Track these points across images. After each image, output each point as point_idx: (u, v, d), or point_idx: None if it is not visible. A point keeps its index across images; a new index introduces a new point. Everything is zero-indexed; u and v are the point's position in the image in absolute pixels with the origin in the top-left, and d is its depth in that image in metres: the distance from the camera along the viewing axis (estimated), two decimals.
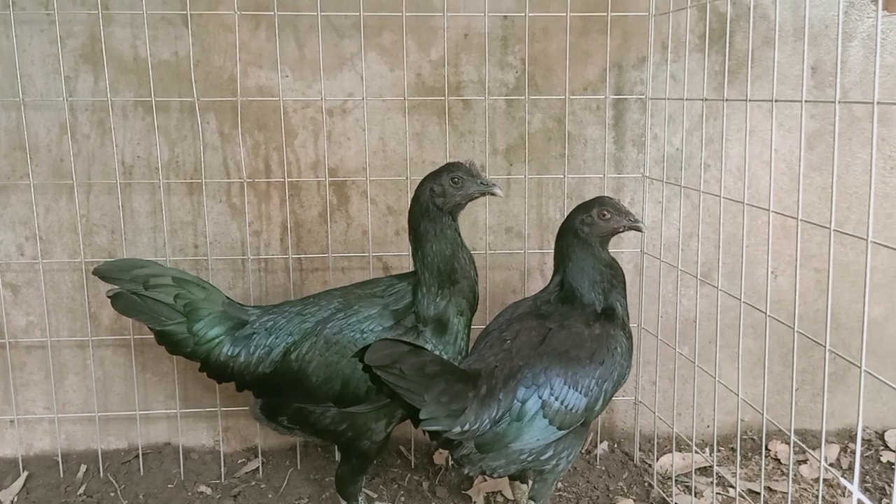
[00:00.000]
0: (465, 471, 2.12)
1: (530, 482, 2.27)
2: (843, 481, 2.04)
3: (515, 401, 2.01)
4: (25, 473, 2.81)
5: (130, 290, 2.27)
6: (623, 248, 2.89)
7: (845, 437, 3.08)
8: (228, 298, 2.40)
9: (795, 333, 2.01)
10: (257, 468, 2.87)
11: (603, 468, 2.89)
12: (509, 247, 2.89)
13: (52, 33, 2.60)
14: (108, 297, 2.30)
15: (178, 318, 2.29)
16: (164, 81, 2.68)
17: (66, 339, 2.82)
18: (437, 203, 2.19)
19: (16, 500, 2.70)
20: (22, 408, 2.86)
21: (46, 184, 2.72)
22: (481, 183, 2.21)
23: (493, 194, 2.22)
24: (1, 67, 2.62)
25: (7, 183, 2.71)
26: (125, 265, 2.33)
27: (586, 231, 2.21)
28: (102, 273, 2.31)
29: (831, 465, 2.92)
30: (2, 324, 2.78)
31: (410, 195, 2.30)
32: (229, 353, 2.31)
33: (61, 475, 2.82)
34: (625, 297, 2.29)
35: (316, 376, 2.22)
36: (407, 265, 2.69)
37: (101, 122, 2.70)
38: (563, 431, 2.08)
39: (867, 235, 1.66)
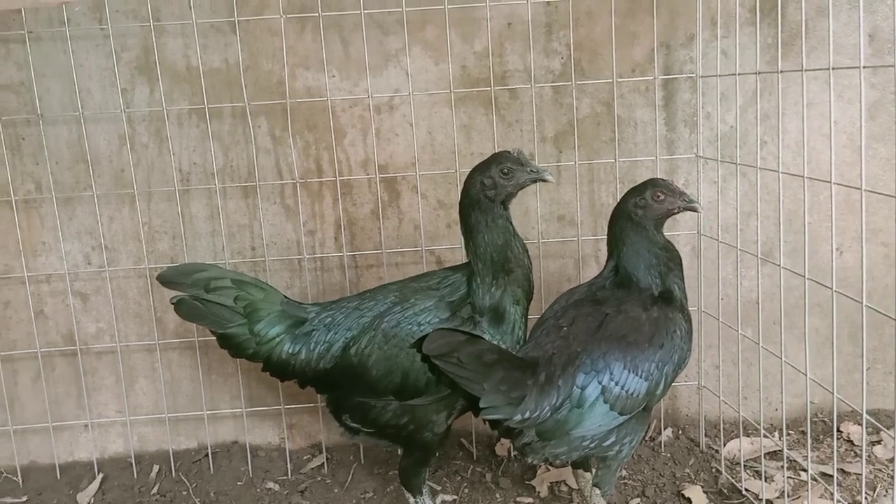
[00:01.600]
0: (528, 459, 2.11)
1: (594, 470, 2.25)
2: None
3: (575, 387, 2.00)
4: (101, 475, 2.91)
5: (192, 294, 2.33)
6: (679, 231, 2.84)
7: None
8: (286, 297, 2.44)
9: (864, 309, 1.94)
10: (322, 464, 2.91)
11: (668, 455, 2.84)
12: (562, 235, 2.87)
13: (106, 47, 2.68)
14: (172, 303, 2.36)
15: (239, 319, 2.34)
16: (216, 88, 2.74)
17: (134, 343, 2.91)
18: (487, 195, 2.19)
19: (92, 501, 2.79)
20: (95, 412, 2.96)
21: (109, 194, 2.81)
22: (531, 171, 2.20)
23: (544, 180, 2.21)
24: (60, 83, 2.72)
25: (72, 195, 2.81)
26: (186, 269, 2.39)
27: (640, 214, 2.18)
28: (166, 279, 2.37)
29: None
30: (73, 331, 2.88)
31: (460, 188, 2.30)
32: (290, 351, 2.35)
33: (135, 476, 2.91)
34: (682, 279, 2.25)
35: (376, 370, 2.24)
36: (459, 257, 2.70)
37: (157, 131, 2.77)
38: (624, 417, 2.06)
39: None
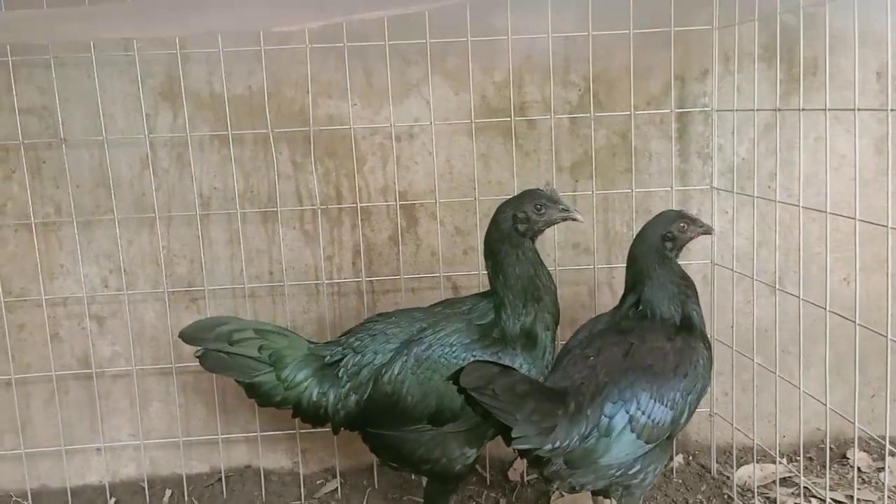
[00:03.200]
0: (555, 486, 2.14)
1: (618, 497, 2.28)
2: None
3: (603, 416, 2.03)
4: (113, 500, 2.90)
5: (216, 348, 2.33)
6: (692, 260, 2.90)
7: None
8: (311, 342, 2.44)
9: (889, 341, 2.00)
10: (336, 489, 2.92)
11: (680, 481, 2.88)
12: (577, 262, 2.92)
13: (131, 73, 2.70)
14: (196, 357, 2.36)
15: (266, 368, 2.34)
16: (239, 115, 2.76)
17: (149, 367, 2.91)
18: (519, 229, 2.24)
19: None
20: (108, 435, 2.95)
21: (129, 218, 2.82)
22: (563, 209, 2.25)
23: (574, 220, 2.27)
24: (84, 107, 2.73)
25: (91, 218, 2.81)
26: (208, 325, 2.38)
27: (669, 247, 2.24)
28: (187, 336, 2.36)
29: None
30: (88, 354, 2.87)
31: (477, 215, 2.34)
32: (320, 392, 2.34)
33: (147, 500, 2.90)
34: (699, 305, 2.30)
35: (411, 396, 2.26)
36: (476, 283, 2.74)
37: (179, 156, 2.79)
38: (650, 445, 2.09)
39: None
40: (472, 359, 2.19)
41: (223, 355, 2.33)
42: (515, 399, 1.93)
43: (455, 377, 1.88)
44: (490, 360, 2.16)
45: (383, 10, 1.12)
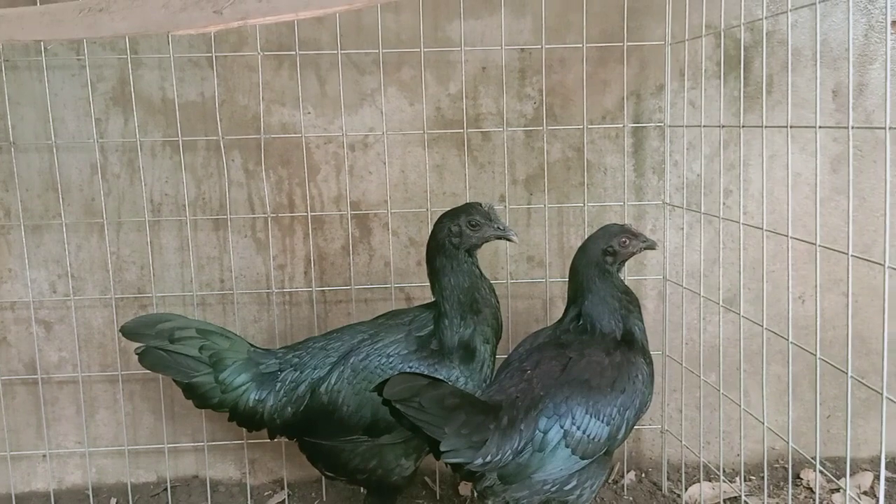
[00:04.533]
0: (489, 502, 2.11)
1: None
2: None
3: (537, 431, 2.01)
4: None
5: (156, 345, 2.30)
6: (646, 276, 2.89)
7: (879, 464, 3.00)
8: (254, 346, 2.42)
9: (819, 360, 1.98)
10: (283, 500, 2.88)
11: (631, 498, 2.85)
12: (531, 276, 2.90)
13: (82, 77, 2.69)
14: (137, 354, 2.33)
15: (205, 369, 2.31)
16: (191, 121, 2.75)
17: (96, 374, 2.88)
18: (453, 242, 2.23)
19: None
20: (54, 442, 2.91)
21: (78, 223, 2.80)
22: (497, 227, 2.24)
23: (508, 239, 2.26)
24: (34, 111, 2.72)
25: (40, 223, 2.79)
26: (150, 320, 2.35)
27: (610, 261, 2.22)
28: (129, 330, 2.33)
29: (864, 493, 2.85)
30: (35, 360, 2.84)
31: (431, 227, 2.33)
32: (257, 398, 2.32)
33: None
34: (642, 321, 2.28)
35: (347, 406, 2.24)
36: (429, 295, 2.69)
37: (130, 161, 2.78)
38: (586, 461, 2.07)
39: (884, 261, 1.64)
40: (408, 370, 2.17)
41: (163, 353, 2.30)
42: (444, 412, 1.91)
43: (380, 388, 1.86)
44: (419, 371, 2.13)
45: (275, 16, 1.11)
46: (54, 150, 2.71)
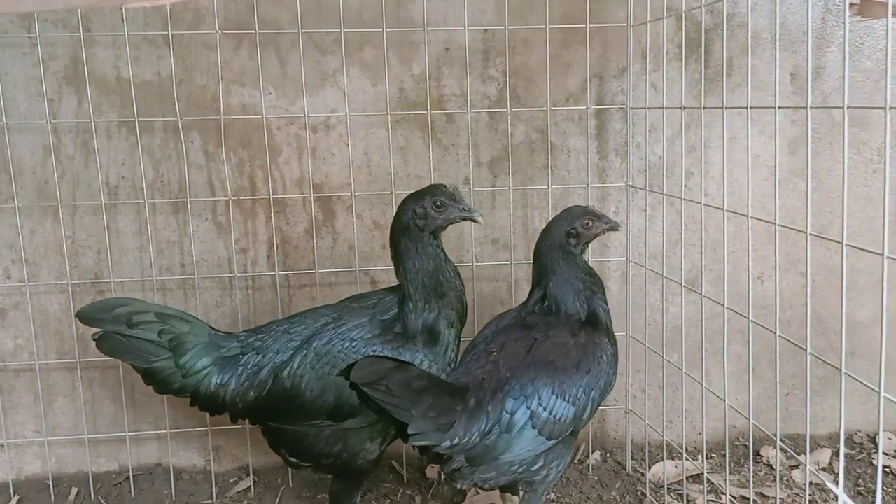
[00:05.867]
0: (457, 484, 2.12)
1: (521, 493, 2.27)
2: (830, 485, 2.04)
3: (504, 412, 2.02)
4: (16, 497, 2.79)
5: (114, 330, 2.25)
6: (610, 258, 2.91)
7: (838, 440, 3.08)
8: (214, 329, 2.38)
9: (778, 338, 2.01)
10: (249, 487, 2.86)
11: (595, 478, 2.88)
12: (496, 258, 2.90)
13: (34, 56, 2.60)
14: (94, 339, 2.28)
15: (164, 353, 2.26)
16: (148, 101, 2.68)
17: (53, 361, 2.81)
18: (417, 224, 2.21)
19: None
20: (12, 431, 2.84)
21: (31, 206, 2.72)
22: (463, 209, 2.23)
23: (474, 220, 2.25)
24: None
25: None
26: (107, 305, 2.29)
27: (573, 243, 2.23)
28: (85, 316, 2.27)
29: (823, 469, 2.92)
30: None
31: (395, 209, 2.31)
32: (219, 382, 2.29)
33: (52, 499, 2.80)
34: (606, 301, 2.30)
35: (310, 391, 2.21)
36: (394, 278, 2.68)
37: (84, 143, 2.70)
38: (552, 441, 2.08)
39: (842, 239, 1.67)
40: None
41: (121, 338, 2.25)
42: (411, 395, 1.90)
43: (346, 372, 1.85)
44: (386, 355, 2.12)
45: (66, 3, 1.07)
46: (5, 131, 2.63)
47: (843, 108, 1.63)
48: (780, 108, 1.92)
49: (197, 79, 2.70)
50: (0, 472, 2.87)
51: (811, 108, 1.79)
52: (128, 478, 2.85)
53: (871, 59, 2.89)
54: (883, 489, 2.76)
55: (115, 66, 2.67)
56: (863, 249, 1.67)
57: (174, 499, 2.80)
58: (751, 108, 2.03)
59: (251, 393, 2.27)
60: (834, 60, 2.88)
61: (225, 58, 2.67)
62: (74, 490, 2.83)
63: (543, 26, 2.65)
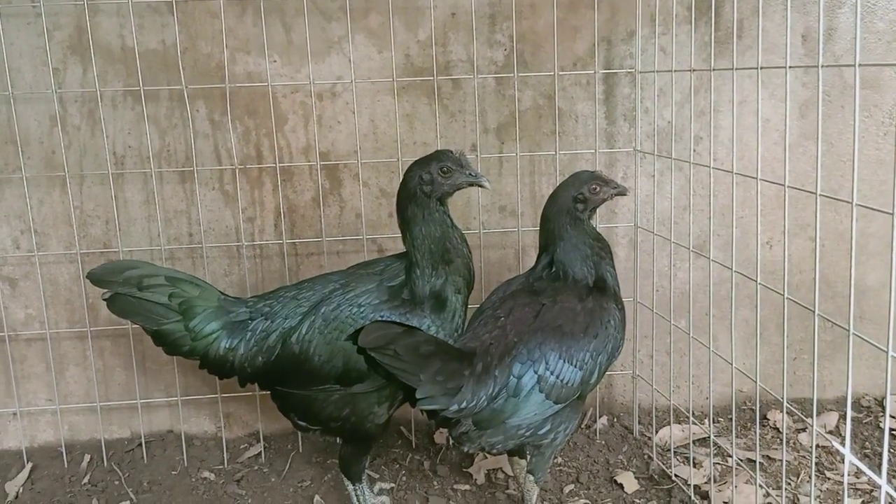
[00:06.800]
0: (465, 448, 2.13)
1: (528, 457, 2.29)
2: (837, 445, 2.05)
3: (511, 377, 2.03)
4: (30, 465, 2.83)
5: (125, 292, 2.26)
6: (617, 223, 2.90)
7: (845, 404, 3.09)
8: (224, 294, 2.39)
9: (786, 301, 2.01)
10: (259, 453, 2.89)
11: (603, 442, 2.91)
12: (503, 225, 2.90)
13: (38, 26, 2.59)
14: (104, 300, 2.29)
15: (175, 316, 2.28)
16: (153, 70, 2.67)
17: (64, 330, 2.83)
18: (424, 190, 2.20)
19: (21, 491, 2.72)
20: (24, 400, 2.88)
21: (39, 176, 2.72)
22: (469, 174, 2.22)
23: (480, 186, 2.23)
24: None
25: (0, 177, 2.71)
26: (118, 267, 2.30)
27: (581, 208, 2.22)
28: (95, 277, 2.28)
29: (830, 432, 2.93)
30: (1, 317, 2.79)
31: (402, 177, 2.30)
32: (228, 346, 2.30)
33: (65, 465, 2.84)
34: (614, 267, 2.30)
35: (318, 356, 2.23)
36: (400, 246, 2.68)
37: (90, 112, 2.70)
38: (559, 405, 2.09)
39: (852, 199, 1.66)
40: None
41: (131, 299, 2.26)
42: (419, 359, 1.91)
43: (354, 337, 1.85)
44: (394, 320, 2.13)
45: None
46: (11, 102, 2.62)
47: (854, 65, 1.61)
48: (791, 67, 1.89)
49: (202, 47, 2.68)
50: (13, 440, 2.92)
51: (822, 66, 1.76)
52: (140, 444, 2.89)
53: (883, 21, 2.85)
54: (890, 451, 2.78)
55: (119, 34, 2.65)
56: (872, 209, 1.66)
57: (186, 465, 2.83)
58: (761, 68, 2.00)
59: (260, 358, 2.29)
60: (846, 21, 2.83)
61: (229, 25, 2.65)
62: (87, 457, 2.87)
63: None
